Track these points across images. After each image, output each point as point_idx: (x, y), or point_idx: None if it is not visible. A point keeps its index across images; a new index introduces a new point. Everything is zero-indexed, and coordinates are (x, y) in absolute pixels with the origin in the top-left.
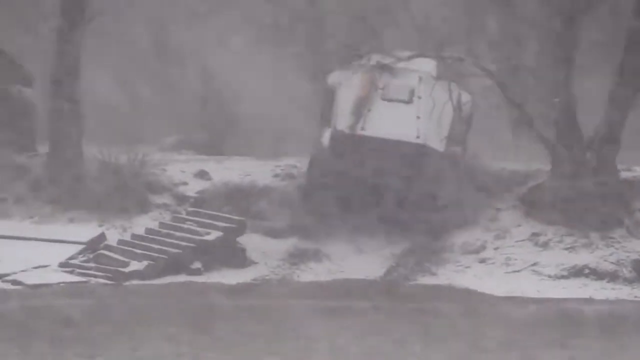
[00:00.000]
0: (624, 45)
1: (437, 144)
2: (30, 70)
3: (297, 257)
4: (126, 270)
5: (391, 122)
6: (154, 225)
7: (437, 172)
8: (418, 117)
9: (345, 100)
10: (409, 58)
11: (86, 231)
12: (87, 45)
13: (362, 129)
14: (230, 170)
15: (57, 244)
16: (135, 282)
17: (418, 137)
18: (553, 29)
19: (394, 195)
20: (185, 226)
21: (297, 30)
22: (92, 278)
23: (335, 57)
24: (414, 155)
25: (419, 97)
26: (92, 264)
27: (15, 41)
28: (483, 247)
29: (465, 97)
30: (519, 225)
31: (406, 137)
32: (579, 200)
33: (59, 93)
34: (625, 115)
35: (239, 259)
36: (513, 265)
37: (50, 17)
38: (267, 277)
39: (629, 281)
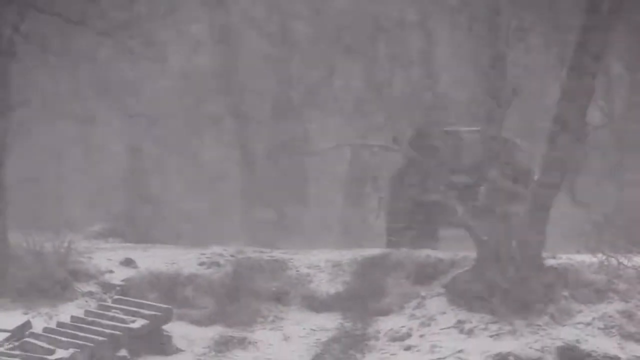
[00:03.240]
0: (550, 132)
1: None
2: None
3: (223, 345)
4: (52, 358)
5: None
6: (79, 313)
7: None
8: None
9: None
10: (336, 147)
11: (11, 319)
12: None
13: None
14: (156, 258)
15: None
16: None
17: None
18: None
19: None
20: (111, 314)
21: None
22: None
23: None
24: None
25: None
26: (17, 352)
27: None
28: (408, 335)
29: None
30: (444, 313)
31: None
32: (503, 287)
33: None
34: (550, 204)
35: (165, 346)
36: (438, 353)
37: None
38: None
39: None
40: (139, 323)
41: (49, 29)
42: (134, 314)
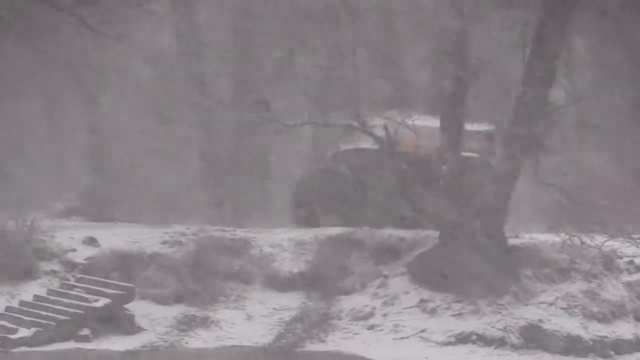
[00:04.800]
0: (513, 111)
1: None
2: None
3: (186, 324)
4: (14, 337)
5: None
6: (42, 292)
7: None
8: None
9: None
10: (300, 125)
11: None
12: None
13: None
14: (118, 237)
15: None
16: (23, 349)
17: None
18: (443, 98)
19: None
20: (74, 293)
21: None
22: None
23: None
24: None
25: None
26: None
27: None
28: (371, 314)
29: None
30: (407, 292)
31: None
32: (466, 267)
33: None
34: (512, 184)
35: (127, 325)
36: (401, 332)
37: None
38: (155, 344)
39: (516, 347)
40: (101, 302)
41: (10, 6)
42: (96, 292)
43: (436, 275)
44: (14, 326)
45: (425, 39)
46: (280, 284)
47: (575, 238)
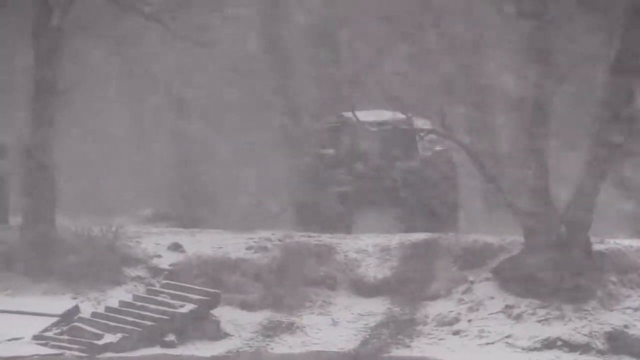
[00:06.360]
0: (599, 116)
1: None
2: (3, 140)
3: (271, 330)
4: (100, 342)
5: None
6: (128, 297)
7: None
8: None
9: None
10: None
11: (60, 303)
12: (60, 114)
13: None
14: (203, 243)
15: (30, 317)
16: (109, 354)
17: None
18: (527, 103)
19: None
20: (159, 299)
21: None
22: (66, 351)
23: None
24: None
25: None
26: (65, 337)
27: None
28: (457, 319)
29: None
30: (493, 298)
31: None
32: (551, 272)
33: (32, 164)
34: (599, 187)
35: (213, 331)
36: (486, 338)
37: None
38: (241, 350)
39: (601, 353)
40: (187, 308)
41: (98, 13)
42: (182, 298)
43: (521, 281)
44: (100, 332)
45: (507, 44)
46: (366, 289)
47: None
